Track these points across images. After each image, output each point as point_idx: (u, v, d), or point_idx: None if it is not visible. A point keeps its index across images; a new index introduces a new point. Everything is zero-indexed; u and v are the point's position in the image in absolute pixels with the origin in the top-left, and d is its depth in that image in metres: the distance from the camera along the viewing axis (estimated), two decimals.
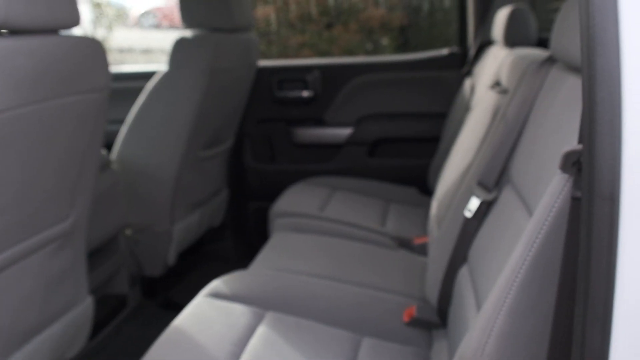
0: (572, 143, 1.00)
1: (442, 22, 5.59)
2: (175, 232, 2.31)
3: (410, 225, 2.37)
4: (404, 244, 2.13)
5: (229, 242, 3.02)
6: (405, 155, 2.85)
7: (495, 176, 1.41)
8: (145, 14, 8.29)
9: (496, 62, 2.19)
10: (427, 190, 2.71)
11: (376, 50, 6.01)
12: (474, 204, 1.44)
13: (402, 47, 5.94)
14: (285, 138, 2.96)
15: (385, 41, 6.15)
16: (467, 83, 2.57)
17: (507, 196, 1.34)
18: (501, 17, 2.22)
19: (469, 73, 2.61)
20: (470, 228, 1.44)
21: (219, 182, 2.69)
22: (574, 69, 1.19)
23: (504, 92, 1.68)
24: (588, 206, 0.71)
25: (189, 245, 2.59)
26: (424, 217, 2.50)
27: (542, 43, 2.12)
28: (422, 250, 2.08)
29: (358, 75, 2.85)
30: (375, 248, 2.04)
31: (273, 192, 2.90)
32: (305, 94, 2.87)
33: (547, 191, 0.90)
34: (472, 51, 2.61)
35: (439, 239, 1.63)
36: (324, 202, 2.46)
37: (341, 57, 3.02)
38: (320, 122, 2.92)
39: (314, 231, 2.15)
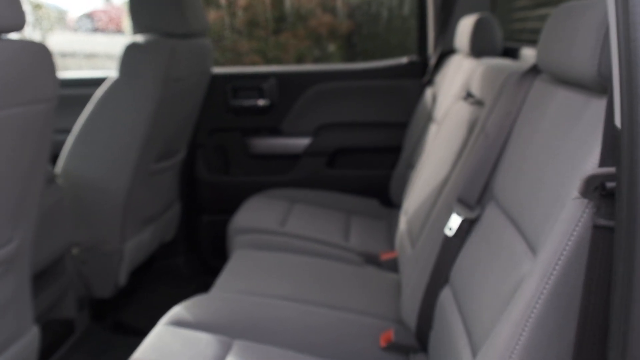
0: (572, 162, 0.94)
1: (391, 29, 5.59)
2: (126, 250, 2.16)
3: (374, 239, 2.29)
4: (371, 260, 2.05)
5: (181, 257, 2.87)
6: (365, 166, 2.78)
7: (477, 193, 1.34)
8: (84, 17, 7.97)
9: (462, 72, 2.14)
10: (389, 202, 2.65)
11: (324, 57, 5.96)
12: (454, 221, 1.37)
13: (350, 54, 5.91)
14: (240, 149, 2.84)
15: (332, 48, 6.10)
16: (428, 92, 2.51)
17: (491, 214, 1.27)
18: (465, 26, 2.17)
19: (430, 82, 2.56)
20: (452, 247, 1.37)
21: (171, 195, 2.55)
22: (564, 81, 1.13)
23: (478, 103, 1.62)
24: (627, 238, 0.64)
25: (140, 263, 2.44)
26: (387, 230, 2.43)
27: (507, 53, 2.09)
28: (391, 266, 2.00)
29: (316, 83, 2.76)
30: (342, 265, 1.95)
31: (227, 205, 2.78)
32: (261, 102, 2.77)
33: (562, 217, 0.82)
34: (432, 60, 2.56)
35: (415, 258, 1.55)
36: (283, 216, 2.35)
37: (298, 65, 2.94)
38: (276, 132, 2.81)
39: (276, 248, 2.04)
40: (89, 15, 8.12)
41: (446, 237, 1.39)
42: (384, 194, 2.66)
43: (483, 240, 1.27)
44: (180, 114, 2.34)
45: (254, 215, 2.31)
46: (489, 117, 1.42)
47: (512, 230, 1.14)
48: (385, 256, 2.06)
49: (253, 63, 5.64)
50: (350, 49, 5.98)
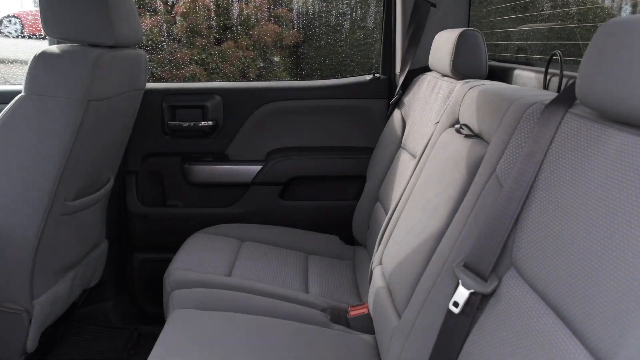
0: None
1: (352, 42, 5.33)
2: (36, 309, 1.75)
3: (338, 287, 1.96)
4: (339, 317, 1.72)
5: (110, 302, 2.47)
6: (324, 197, 2.45)
7: (491, 258, 1.03)
8: (8, 18, 7.36)
9: (441, 95, 1.85)
10: (351, 239, 2.33)
11: (269, 68, 5.64)
12: (461, 294, 1.05)
13: (296, 66, 5.62)
14: (179, 176, 2.46)
15: (277, 58, 5.80)
16: (397, 115, 2.21)
17: (514, 289, 0.97)
18: (443, 41, 1.88)
19: (398, 103, 2.25)
20: (459, 327, 1.06)
21: (96, 235, 2.15)
22: (619, 121, 0.84)
23: (477, 138, 1.32)
24: None
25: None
26: (351, 273, 2.11)
27: (492, 73, 1.81)
28: (362, 325, 1.68)
29: (267, 102, 2.42)
30: (304, 328, 1.61)
31: (164, 242, 2.41)
32: (204, 123, 2.40)
33: None
34: (400, 78, 2.26)
35: (405, 331, 1.23)
36: (230, 259, 2.00)
37: (248, 82, 2.59)
38: (222, 158, 2.45)
39: (223, 306, 1.68)
40: (16, 17, 7.50)
41: (450, 312, 1.08)
42: (346, 230, 2.35)
43: (505, 324, 0.96)
44: (107, 140, 1.95)
45: (195, 259, 1.94)
46: (500, 158, 1.12)
47: (550, 318, 0.85)
48: (355, 312, 1.73)
49: (193, 74, 5.25)
50: (298, 61, 5.70)
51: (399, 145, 2.13)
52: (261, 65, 5.64)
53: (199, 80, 5.24)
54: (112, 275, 2.45)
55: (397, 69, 2.36)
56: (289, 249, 2.20)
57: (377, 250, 1.68)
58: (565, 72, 1.41)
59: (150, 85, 2.36)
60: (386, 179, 2.12)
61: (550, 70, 1.50)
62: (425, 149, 1.63)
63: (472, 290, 1.03)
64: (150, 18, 5.23)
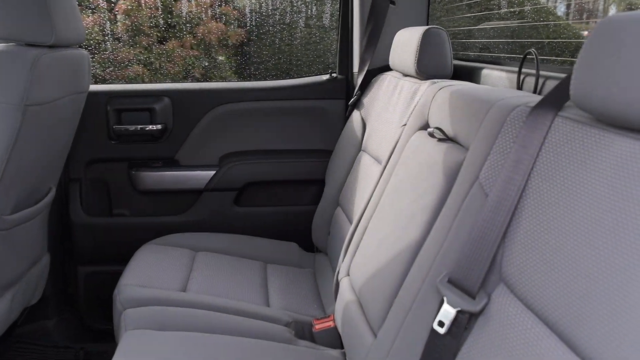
0: None
1: (305, 41, 5.25)
2: None
3: (300, 298, 1.87)
4: (304, 332, 1.63)
5: (53, 320, 2.30)
6: (281, 203, 2.35)
7: (478, 273, 0.96)
8: None
9: (404, 96, 1.78)
10: (311, 246, 2.24)
11: (213, 68, 5.50)
12: (447, 313, 0.98)
13: (244, 66, 5.50)
14: (125, 184, 2.32)
15: (222, 57, 5.66)
16: (356, 116, 2.13)
17: (506, 307, 0.90)
18: (404, 40, 1.81)
19: (356, 104, 2.18)
20: (446, 348, 0.98)
21: (37, 249, 1.99)
22: (619, 126, 0.78)
23: (450, 141, 1.25)
24: None
25: None
26: (312, 281, 2.02)
27: (457, 73, 1.75)
28: (329, 340, 1.59)
29: (220, 104, 2.30)
30: (269, 346, 1.50)
31: (111, 254, 2.27)
32: (152, 127, 2.27)
33: None
34: (358, 78, 2.18)
35: (383, 351, 1.15)
36: (184, 272, 1.88)
37: (199, 83, 2.46)
38: (172, 163, 2.32)
39: (180, 325, 1.56)
40: None
41: (434, 332, 1.00)
42: (305, 236, 2.25)
43: (498, 345, 0.89)
44: (48, 147, 1.80)
45: (147, 275, 1.81)
46: (483, 165, 1.05)
47: (549, 338, 0.79)
48: (320, 326, 1.65)
49: (137, 75, 5.06)
50: (246, 60, 5.58)
51: (359, 148, 2.05)
52: (206, 64, 5.50)
53: (143, 81, 5.05)
54: (55, 291, 2.28)
55: (355, 69, 2.29)
56: (246, 258, 2.09)
57: (342, 261, 1.60)
58: (541, 72, 1.36)
59: (94, 87, 2.21)
60: (347, 183, 2.04)
61: (523, 70, 1.44)
62: (392, 153, 1.55)
63: (459, 309, 0.96)
64: (90, 16, 5.01)
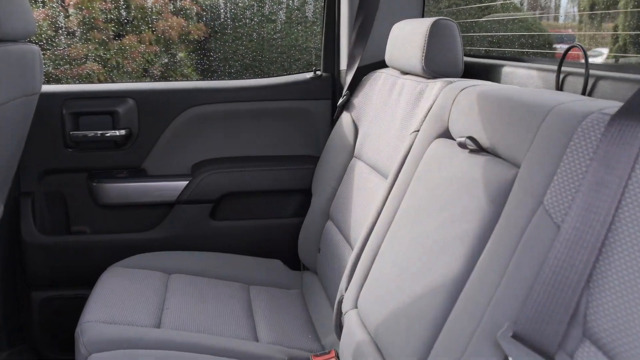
0: None
1: (272, 33, 5.04)
2: None
3: (291, 326, 1.65)
4: None
5: (3, 353, 2.02)
6: (263, 215, 2.11)
7: (556, 328, 0.76)
8: None
9: (404, 97, 1.57)
10: (296, 262, 2.02)
11: (173, 64, 5.22)
12: None
13: (201, 61, 5.25)
14: (85, 197, 2.05)
15: (182, 54, 5.39)
16: (345, 119, 1.92)
17: None
18: (408, 33, 1.60)
19: (346, 105, 1.96)
20: None
21: None
22: None
23: (485, 153, 1.05)
24: None
25: None
26: (301, 305, 1.80)
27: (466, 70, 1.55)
28: None
29: (191, 105, 2.05)
30: None
31: (70, 277, 2.01)
32: (115, 133, 2.01)
33: None
34: (347, 77, 1.96)
35: None
36: (157, 301, 1.64)
37: (167, 82, 2.20)
38: (138, 173, 2.06)
39: None
40: None
41: None
42: (290, 253, 2.03)
43: None
44: None
45: (113, 307, 1.56)
46: (547, 187, 0.84)
47: None
48: None
49: (91, 72, 4.74)
50: (205, 56, 5.33)
51: (351, 154, 1.84)
52: (165, 61, 5.22)
53: (99, 80, 4.73)
54: (6, 320, 2.00)
55: (343, 66, 2.07)
56: (226, 280, 1.86)
57: (346, 290, 1.38)
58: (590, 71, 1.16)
59: (45, 87, 1.94)
60: (339, 193, 1.82)
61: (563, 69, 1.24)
62: (402, 164, 1.34)
63: None
64: (38, 9, 4.66)
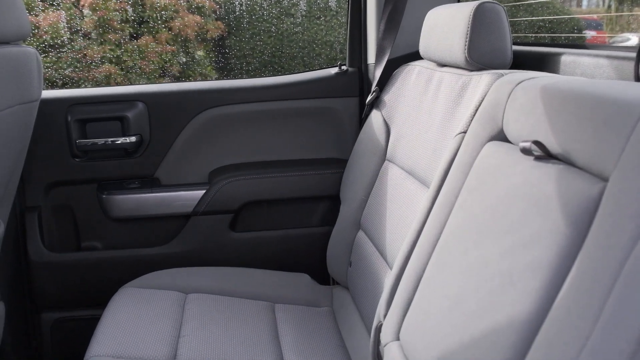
0: None
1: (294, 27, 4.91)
2: None
3: (320, 352, 1.48)
4: None
5: None
6: (287, 226, 1.94)
7: None
8: None
9: (443, 92, 1.39)
10: (325, 276, 1.85)
11: (192, 64, 5.10)
12: None
13: (221, 59, 5.12)
14: (95, 210, 1.90)
15: (201, 53, 5.26)
16: (376, 118, 1.73)
17: None
18: (447, 19, 1.41)
19: (375, 103, 1.78)
20: None
21: None
22: None
23: (557, 161, 0.86)
24: None
25: None
26: (332, 326, 1.63)
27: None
28: None
29: (207, 107, 1.89)
30: None
31: (81, 296, 1.87)
32: (125, 140, 1.85)
33: None
34: (377, 71, 1.78)
35: None
36: (173, 327, 1.48)
37: (180, 83, 2.04)
38: (151, 183, 1.91)
39: None
40: None
41: None
42: (318, 266, 1.86)
43: None
44: None
45: (125, 336, 1.40)
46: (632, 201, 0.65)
47: None
48: None
49: (108, 75, 4.62)
50: (222, 53, 5.20)
51: (383, 157, 1.66)
52: (184, 60, 5.10)
53: (116, 83, 4.60)
54: (15, 344, 1.86)
55: (371, 60, 1.88)
56: (249, 299, 1.69)
57: (385, 316, 1.20)
58: None
59: (48, 93, 1.79)
60: (371, 200, 1.64)
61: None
62: (446, 171, 1.16)
63: None
64: (52, 12, 4.55)
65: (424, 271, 1.09)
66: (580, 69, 1.22)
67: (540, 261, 0.79)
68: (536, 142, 0.88)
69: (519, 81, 1.03)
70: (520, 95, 1.00)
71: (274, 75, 2.06)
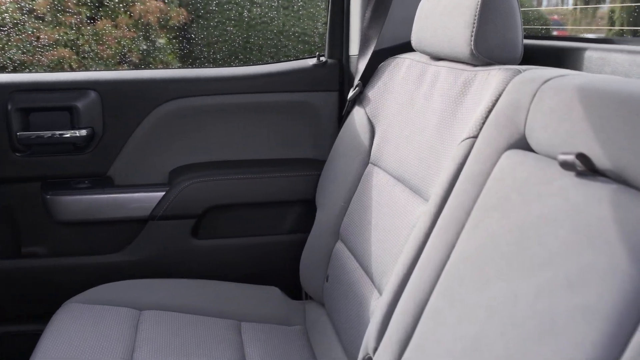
0: None
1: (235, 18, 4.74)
2: None
3: None
4: None
5: None
6: (255, 232, 1.76)
7: None
8: None
9: (439, 89, 1.23)
10: (297, 291, 1.67)
11: (152, 51, 4.86)
12: None
13: (184, 48, 4.91)
14: (39, 212, 1.68)
15: (163, 40, 5.03)
16: (358, 116, 1.56)
17: None
18: (447, 8, 1.24)
19: (358, 99, 1.60)
20: None
21: None
22: None
23: (606, 179, 0.69)
24: None
25: None
26: (306, 348, 1.45)
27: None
28: None
29: (169, 99, 1.68)
30: None
31: (23, 309, 1.66)
32: (74, 133, 1.64)
33: None
34: (360, 64, 1.61)
35: None
36: (125, 350, 1.28)
37: (138, 70, 1.81)
38: (103, 183, 1.70)
39: None
40: None
41: None
42: (288, 277, 1.68)
43: None
44: None
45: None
46: None
47: None
48: None
49: (61, 59, 4.34)
50: (187, 42, 4.98)
51: (366, 159, 1.49)
52: (144, 47, 4.85)
53: (70, 68, 4.32)
54: None
55: (354, 51, 1.70)
56: (212, 316, 1.50)
57: (375, 350, 1.03)
58: None
59: None
60: (352, 208, 1.47)
61: None
62: (452, 183, 0.99)
63: None
64: None
65: (426, 302, 0.92)
66: (611, 67, 1.06)
67: (595, 306, 0.62)
68: (580, 155, 0.72)
69: (546, 79, 0.87)
70: (548, 96, 0.84)
71: (241, 65, 1.86)
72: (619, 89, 0.73)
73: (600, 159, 0.71)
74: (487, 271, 0.80)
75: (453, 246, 0.91)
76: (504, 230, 0.80)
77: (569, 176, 0.74)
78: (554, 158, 0.78)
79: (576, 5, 5.99)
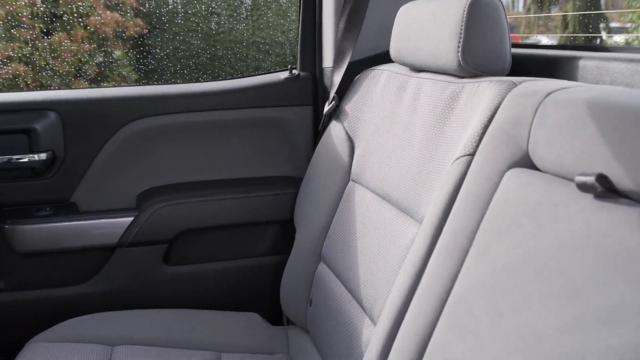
0: None
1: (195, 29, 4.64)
2: None
3: None
4: None
5: None
6: (231, 256, 1.67)
7: None
8: None
9: (424, 102, 1.17)
10: (277, 316, 1.59)
11: (109, 63, 4.73)
12: None
13: (140, 59, 4.79)
14: None
15: (119, 52, 4.90)
16: (336, 131, 1.49)
17: None
18: (429, 17, 1.19)
19: (335, 113, 1.53)
20: None
21: None
22: None
23: (627, 200, 0.64)
24: None
25: None
26: None
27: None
28: None
29: (134, 118, 1.59)
30: None
31: None
32: (33, 157, 1.53)
33: None
34: (335, 76, 1.54)
35: None
36: None
37: (102, 88, 1.69)
38: (66, 209, 1.59)
39: None
40: None
41: None
42: (269, 303, 1.60)
43: None
44: None
45: None
46: None
47: None
48: None
49: (15, 75, 4.18)
50: (145, 55, 4.86)
51: (346, 176, 1.42)
52: (100, 60, 4.72)
53: (25, 85, 4.15)
54: None
55: (327, 63, 1.64)
56: (189, 349, 1.41)
57: None
58: None
59: None
60: (334, 228, 1.40)
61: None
62: (450, 204, 0.93)
63: None
64: None
65: (430, 334, 0.85)
66: (609, 77, 1.02)
67: (629, 344, 0.56)
68: (601, 177, 0.66)
69: (548, 92, 0.82)
70: (553, 110, 0.78)
71: (205, 80, 1.78)
72: (635, 101, 0.68)
73: (621, 179, 0.65)
74: (500, 303, 0.73)
75: (457, 274, 0.84)
76: (518, 257, 0.73)
77: (588, 198, 0.68)
78: (565, 178, 0.73)
79: (528, 11, 6.11)
